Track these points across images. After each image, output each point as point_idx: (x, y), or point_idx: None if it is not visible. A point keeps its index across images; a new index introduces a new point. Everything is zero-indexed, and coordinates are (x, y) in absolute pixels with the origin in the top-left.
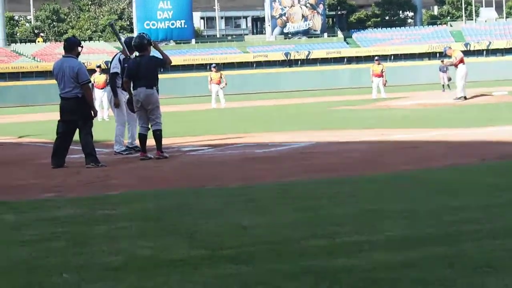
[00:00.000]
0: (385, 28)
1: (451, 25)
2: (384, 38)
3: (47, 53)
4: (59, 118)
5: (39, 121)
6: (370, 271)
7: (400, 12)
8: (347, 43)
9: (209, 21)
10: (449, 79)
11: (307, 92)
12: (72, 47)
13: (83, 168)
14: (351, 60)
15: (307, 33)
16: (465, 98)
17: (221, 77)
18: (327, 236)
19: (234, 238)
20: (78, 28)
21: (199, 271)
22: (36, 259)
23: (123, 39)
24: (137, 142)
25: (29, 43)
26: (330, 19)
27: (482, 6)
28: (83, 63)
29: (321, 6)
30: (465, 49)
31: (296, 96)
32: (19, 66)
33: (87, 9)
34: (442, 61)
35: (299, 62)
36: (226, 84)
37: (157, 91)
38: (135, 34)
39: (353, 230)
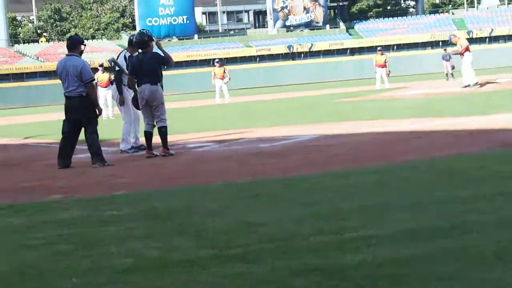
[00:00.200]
0: (387, 18)
1: (453, 13)
2: (386, 28)
3: (50, 52)
4: (64, 117)
5: (44, 121)
6: (378, 266)
7: (402, 1)
8: (350, 34)
9: (211, 16)
10: (453, 68)
11: (311, 85)
12: (75, 45)
13: (89, 168)
14: (354, 51)
15: (309, 25)
16: (478, 84)
17: (224, 72)
18: (334, 231)
19: (242, 236)
20: (81, 27)
21: (207, 271)
22: (44, 262)
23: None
24: (142, 141)
25: (32, 43)
26: (332, 11)
27: None
28: (87, 62)
29: None
30: (468, 36)
31: (299, 89)
32: (23, 67)
33: (89, 7)
34: (445, 50)
35: (302, 54)
36: (229, 79)
37: (162, 87)
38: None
39: (360, 224)
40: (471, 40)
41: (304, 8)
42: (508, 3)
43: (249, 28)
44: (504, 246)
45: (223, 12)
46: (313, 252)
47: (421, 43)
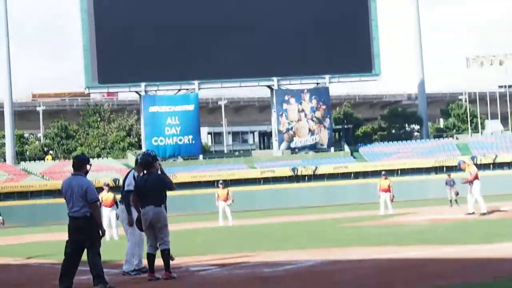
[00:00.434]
0: (391, 142)
1: (457, 138)
2: (391, 151)
3: (56, 171)
4: (67, 237)
5: (48, 241)
6: None
7: (406, 125)
8: (354, 157)
9: (216, 136)
10: (457, 194)
11: (315, 209)
12: (81, 165)
13: None
14: (358, 175)
15: (314, 147)
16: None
17: (228, 193)
18: None
19: None
20: (87, 145)
21: None
22: None
23: None
24: (144, 263)
25: (38, 161)
26: (337, 133)
27: (487, 119)
28: (91, 181)
29: (327, 120)
30: (472, 162)
31: (304, 213)
32: (28, 185)
33: (96, 125)
34: (449, 175)
35: (306, 177)
36: (233, 201)
37: (165, 209)
38: (143, 151)
39: None
40: (476, 166)
41: (309, 130)
42: None
43: (254, 149)
44: None
45: (229, 133)
46: None
47: (425, 168)
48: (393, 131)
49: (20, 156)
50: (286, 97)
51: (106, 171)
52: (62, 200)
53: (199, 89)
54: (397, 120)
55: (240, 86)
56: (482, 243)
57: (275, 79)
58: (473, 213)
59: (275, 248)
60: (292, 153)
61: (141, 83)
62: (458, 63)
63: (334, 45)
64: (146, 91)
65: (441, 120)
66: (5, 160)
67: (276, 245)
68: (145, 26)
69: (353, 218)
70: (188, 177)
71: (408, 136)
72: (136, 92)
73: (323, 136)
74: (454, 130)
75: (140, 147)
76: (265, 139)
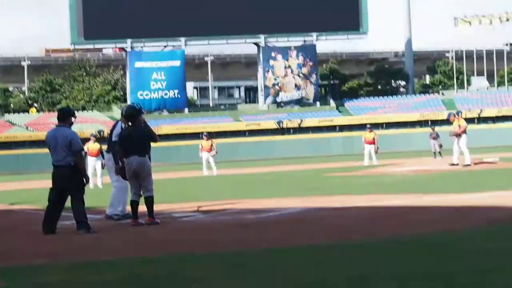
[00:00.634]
0: (377, 97)
1: (443, 94)
2: (376, 106)
3: (40, 122)
4: (51, 185)
5: (31, 188)
6: None
7: (393, 81)
8: (340, 111)
9: (202, 91)
10: (440, 146)
11: (300, 160)
12: (65, 117)
13: (74, 234)
14: (343, 128)
15: (300, 102)
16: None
17: (212, 145)
18: None
19: None
20: (72, 99)
21: None
22: None
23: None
24: (128, 209)
25: (22, 113)
26: (323, 88)
27: (473, 75)
28: (77, 132)
29: (314, 76)
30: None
31: (288, 163)
32: (12, 136)
33: (81, 79)
34: (433, 129)
35: (292, 130)
36: (216, 152)
37: (149, 159)
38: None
39: None
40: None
41: (296, 86)
42: (498, 86)
43: (240, 104)
44: None
45: (215, 88)
46: None
47: (410, 122)
48: (379, 87)
49: (5, 109)
50: (273, 54)
51: (91, 123)
52: (46, 150)
53: (186, 45)
54: (383, 76)
55: (227, 43)
56: (463, 192)
57: (262, 36)
58: (457, 164)
59: (259, 196)
60: (277, 107)
61: (127, 40)
62: (446, 22)
63: (322, 2)
64: (132, 47)
65: (427, 76)
66: None
67: (260, 193)
68: None
69: (337, 168)
70: (173, 129)
71: (394, 92)
72: (122, 48)
73: (309, 91)
74: (440, 87)
75: (125, 101)
76: (251, 94)
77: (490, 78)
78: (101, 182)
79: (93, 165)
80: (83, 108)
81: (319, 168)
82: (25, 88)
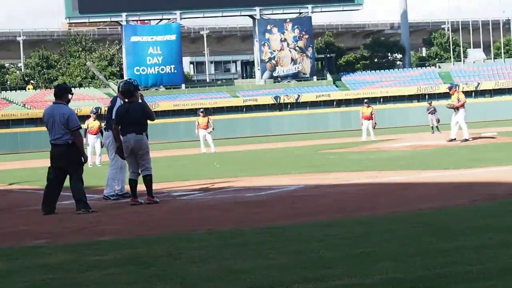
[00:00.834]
0: (374, 71)
1: (439, 67)
2: (373, 80)
3: (37, 100)
4: (49, 164)
5: (30, 167)
6: None
7: (389, 54)
8: (337, 86)
9: (199, 66)
10: (438, 121)
11: (298, 136)
12: (62, 93)
13: (73, 214)
14: (340, 103)
15: (297, 76)
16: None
17: (208, 121)
18: (318, 279)
19: (225, 283)
20: (68, 75)
21: None
22: None
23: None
24: (127, 189)
25: (19, 91)
26: (319, 62)
27: (470, 48)
28: (74, 110)
29: (310, 49)
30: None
31: (286, 140)
32: (9, 114)
33: (77, 55)
34: (430, 103)
35: (289, 105)
36: (213, 128)
37: (147, 136)
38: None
39: (344, 273)
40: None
41: (292, 60)
42: (494, 58)
43: (237, 78)
44: None
45: (211, 62)
46: None
47: (407, 96)
48: (376, 60)
49: (1, 86)
50: (269, 27)
51: (88, 100)
52: (44, 128)
53: (181, 19)
54: (379, 49)
55: (222, 16)
56: (462, 168)
57: (257, 8)
58: (454, 139)
59: (257, 174)
60: (274, 82)
61: (122, 13)
62: None
63: None
64: (127, 21)
65: (424, 49)
66: None
67: (258, 171)
68: None
69: (335, 144)
70: (170, 105)
71: (391, 65)
72: (117, 22)
73: (306, 65)
74: (437, 59)
75: (122, 77)
76: (247, 68)
77: (486, 50)
78: (100, 161)
79: (93, 143)
80: (80, 85)
81: (316, 144)
82: (21, 65)
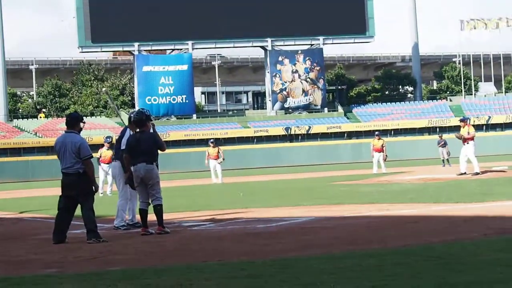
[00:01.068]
0: (385, 103)
1: (450, 100)
2: (384, 112)
3: (48, 128)
4: (60, 193)
5: (41, 196)
6: None
7: (400, 86)
8: (347, 117)
9: (210, 96)
10: (448, 154)
11: (308, 167)
12: (74, 122)
13: (84, 244)
14: (351, 134)
15: (308, 107)
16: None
17: (218, 152)
18: None
19: None
20: (80, 104)
21: None
22: None
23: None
24: (137, 218)
25: (31, 119)
26: (330, 94)
27: (481, 81)
28: (85, 138)
29: (321, 81)
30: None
31: (296, 171)
32: (21, 142)
33: (89, 84)
34: (440, 136)
35: (300, 137)
36: (223, 159)
37: (157, 166)
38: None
39: None
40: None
41: (303, 91)
42: (506, 92)
43: (248, 109)
44: None
45: (222, 93)
46: None
47: (418, 129)
48: (387, 92)
49: (13, 114)
50: (280, 58)
51: (100, 129)
52: (55, 157)
53: (193, 49)
54: (391, 81)
55: (234, 47)
56: (473, 201)
57: (269, 40)
58: (464, 173)
59: (269, 206)
60: (285, 113)
61: (135, 43)
62: (453, 25)
63: (329, 6)
64: (139, 51)
65: (435, 82)
66: None
67: (269, 202)
68: None
69: (346, 176)
70: (181, 135)
71: (402, 98)
72: (130, 51)
73: (317, 97)
74: (448, 92)
75: (133, 106)
76: (258, 99)
77: (497, 84)
78: (110, 190)
79: (105, 172)
80: (92, 114)
81: (327, 176)
82: (33, 93)
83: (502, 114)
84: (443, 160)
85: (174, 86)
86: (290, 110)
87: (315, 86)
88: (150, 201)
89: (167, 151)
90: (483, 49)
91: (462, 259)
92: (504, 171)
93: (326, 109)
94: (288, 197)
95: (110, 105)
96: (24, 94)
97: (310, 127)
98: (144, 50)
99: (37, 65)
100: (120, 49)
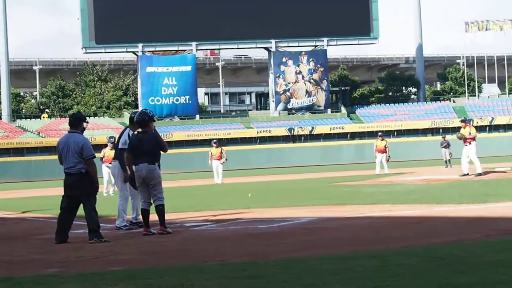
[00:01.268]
0: (388, 104)
1: (454, 101)
2: (387, 113)
3: (51, 128)
4: (63, 193)
5: (43, 196)
6: None
7: (403, 88)
8: (351, 118)
9: (214, 97)
10: (450, 155)
11: (311, 168)
12: (77, 122)
13: (86, 243)
14: (354, 135)
15: (311, 108)
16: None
17: (221, 152)
18: None
19: None
20: (83, 104)
21: None
22: None
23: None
24: (140, 218)
25: (34, 119)
26: (334, 95)
27: (484, 82)
28: (88, 139)
29: (325, 82)
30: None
31: (299, 172)
32: (24, 142)
33: (93, 85)
34: (444, 137)
35: (303, 137)
36: (226, 159)
37: (159, 166)
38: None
39: None
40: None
41: (306, 92)
42: (509, 93)
43: (251, 110)
44: None
45: (226, 94)
46: None
47: (421, 130)
48: (390, 93)
49: (16, 114)
50: (284, 59)
51: (103, 129)
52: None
53: (197, 50)
54: (394, 83)
55: (238, 48)
56: (476, 202)
57: (273, 41)
58: (467, 174)
59: (271, 206)
60: (288, 114)
61: (138, 44)
62: (457, 27)
63: (333, 7)
64: (143, 52)
65: (438, 83)
66: (0, 118)
67: (271, 202)
68: None
69: (348, 177)
70: (184, 135)
71: (405, 99)
72: (133, 52)
73: (320, 98)
74: (451, 94)
75: (136, 106)
76: (262, 100)
77: (501, 85)
78: (113, 190)
79: (108, 172)
80: (95, 114)
81: (330, 177)
82: (36, 93)
83: (505, 115)
84: (445, 161)
85: (178, 87)
86: (293, 111)
87: (319, 87)
88: (152, 201)
89: (170, 151)
90: (487, 51)
91: (464, 260)
92: (506, 172)
93: (329, 110)
94: (290, 198)
95: None
96: (28, 95)
97: (313, 128)
98: (148, 51)
99: (41, 66)
100: (124, 50)
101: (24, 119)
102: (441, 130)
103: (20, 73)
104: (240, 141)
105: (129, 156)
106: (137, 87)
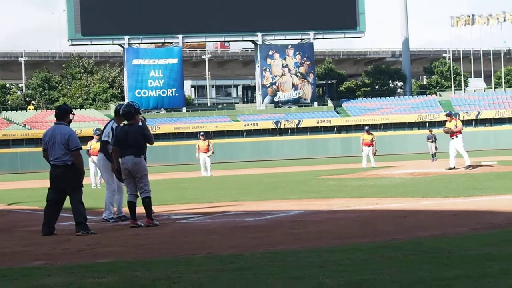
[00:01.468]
0: (374, 98)
1: (440, 95)
2: (374, 107)
3: (38, 120)
4: (49, 185)
5: (29, 188)
6: None
7: (390, 81)
8: (337, 112)
9: (200, 90)
10: (436, 149)
11: (297, 161)
12: (63, 114)
13: (73, 236)
14: (341, 129)
15: (298, 102)
16: (471, 167)
17: (208, 145)
18: None
19: None
20: (70, 96)
21: None
22: None
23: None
24: (124, 211)
25: (20, 111)
26: (320, 88)
27: (471, 77)
28: (74, 130)
29: (311, 75)
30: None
31: (286, 165)
32: (10, 134)
33: (79, 77)
34: (430, 131)
35: (289, 130)
36: (213, 152)
37: (145, 159)
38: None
39: None
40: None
41: (293, 85)
42: (495, 88)
43: (238, 103)
44: None
45: (212, 86)
46: None
47: (407, 123)
48: (377, 87)
49: (2, 106)
50: (270, 52)
51: (89, 121)
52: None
53: (183, 43)
54: (380, 76)
55: (225, 41)
56: (462, 196)
57: (259, 34)
58: (454, 167)
59: (257, 199)
60: (275, 107)
61: (125, 36)
62: (443, 21)
63: (319, 1)
64: (129, 44)
65: (425, 77)
66: None
67: (258, 195)
68: None
69: (335, 170)
70: (170, 128)
71: (392, 93)
72: (120, 44)
73: (307, 91)
74: (437, 88)
75: (123, 99)
76: (248, 93)
77: (487, 79)
78: (100, 182)
79: (95, 165)
80: (81, 106)
81: (316, 170)
82: (22, 85)
83: (491, 109)
84: (432, 155)
85: (164, 79)
86: (280, 104)
87: (305, 80)
88: (138, 194)
89: (157, 144)
90: (473, 45)
91: (450, 253)
92: (492, 166)
93: (316, 103)
94: (277, 191)
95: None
96: (13, 86)
97: (299, 121)
98: (134, 43)
99: (27, 58)
100: (110, 42)
101: (10, 111)
102: (427, 124)
103: (6, 65)
104: (227, 134)
105: (115, 149)
106: (123, 80)
